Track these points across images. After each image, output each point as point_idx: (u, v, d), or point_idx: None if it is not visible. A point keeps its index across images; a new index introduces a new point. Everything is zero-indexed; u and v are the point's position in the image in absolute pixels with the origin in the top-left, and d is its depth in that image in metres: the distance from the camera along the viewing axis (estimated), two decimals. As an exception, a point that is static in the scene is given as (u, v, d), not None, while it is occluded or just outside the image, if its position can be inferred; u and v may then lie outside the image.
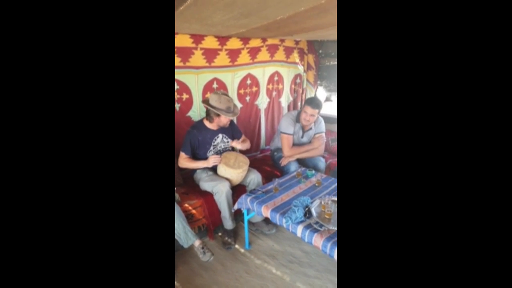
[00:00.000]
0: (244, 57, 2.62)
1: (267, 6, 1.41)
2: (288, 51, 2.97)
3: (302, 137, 2.47)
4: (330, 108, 3.28)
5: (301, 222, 1.56)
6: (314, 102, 2.29)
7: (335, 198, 1.78)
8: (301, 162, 2.46)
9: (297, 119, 2.41)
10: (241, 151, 2.20)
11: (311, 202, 1.70)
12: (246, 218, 1.98)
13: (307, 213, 1.61)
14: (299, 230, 1.53)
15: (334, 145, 2.93)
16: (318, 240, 1.43)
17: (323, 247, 1.40)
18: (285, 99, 3.15)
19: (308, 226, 1.52)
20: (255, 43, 2.63)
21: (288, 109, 3.22)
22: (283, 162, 2.39)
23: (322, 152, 2.49)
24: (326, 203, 1.62)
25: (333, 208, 1.62)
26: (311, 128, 2.45)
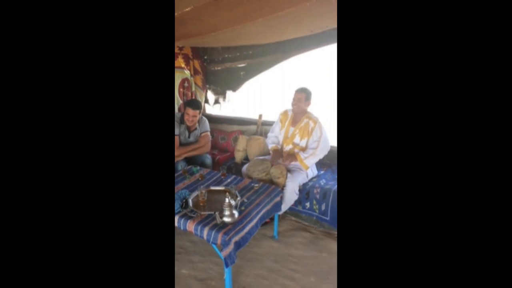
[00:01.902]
0: (123, 61, 2.60)
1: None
2: (172, 56, 3.08)
3: (188, 137, 2.63)
4: (219, 109, 3.56)
5: (178, 213, 1.71)
6: (194, 104, 2.48)
7: (212, 188, 2.01)
8: (189, 160, 2.61)
9: (182, 121, 2.56)
10: None
11: (189, 194, 1.87)
12: (131, 220, 2.01)
13: (184, 204, 1.77)
14: (176, 220, 1.67)
15: (223, 143, 3.19)
16: (190, 225, 1.61)
17: (195, 230, 1.59)
18: (175, 102, 3.24)
19: (184, 215, 1.68)
20: (134, 47, 2.64)
21: (179, 111, 3.33)
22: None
23: (208, 149, 2.70)
24: (201, 193, 1.82)
25: (207, 196, 1.83)
26: (196, 128, 2.64)
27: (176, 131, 2.51)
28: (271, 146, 2.52)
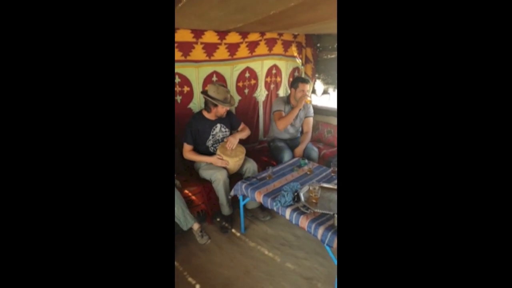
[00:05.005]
0: (243, 50, 2.71)
1: (259, 1, 1.50)
2: (286, 44, 3.04)
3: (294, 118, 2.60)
4: (328, 101, 3.36)
5: (290, 205, 1.68)
6: (301, 78, 2.60)
7: (324, 185, 1.89)
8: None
9: (288, 101, 2.64)
10: (241, 141, 2.31)
11: (300, 188, 1.81)
12: (241, 203, 2.11)
13: (296, 198, 1.72)
14: (288, 212, 1.64)
15: (329, 137, 3.02)
16: (304, 222, 1.54)
17: (308, 228, 1.52)
18: (283, 92, 3.24)
19: (296, 209, 1.63)
20: (253, 37, 2.71)
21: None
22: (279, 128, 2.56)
23: (310, 134, 2.67)
24: (314, 188, 1.73)
25: (320, 193, 1.73)
26: (301, 109, 2.58)
27: (281, 108, 2.60)
28: None
